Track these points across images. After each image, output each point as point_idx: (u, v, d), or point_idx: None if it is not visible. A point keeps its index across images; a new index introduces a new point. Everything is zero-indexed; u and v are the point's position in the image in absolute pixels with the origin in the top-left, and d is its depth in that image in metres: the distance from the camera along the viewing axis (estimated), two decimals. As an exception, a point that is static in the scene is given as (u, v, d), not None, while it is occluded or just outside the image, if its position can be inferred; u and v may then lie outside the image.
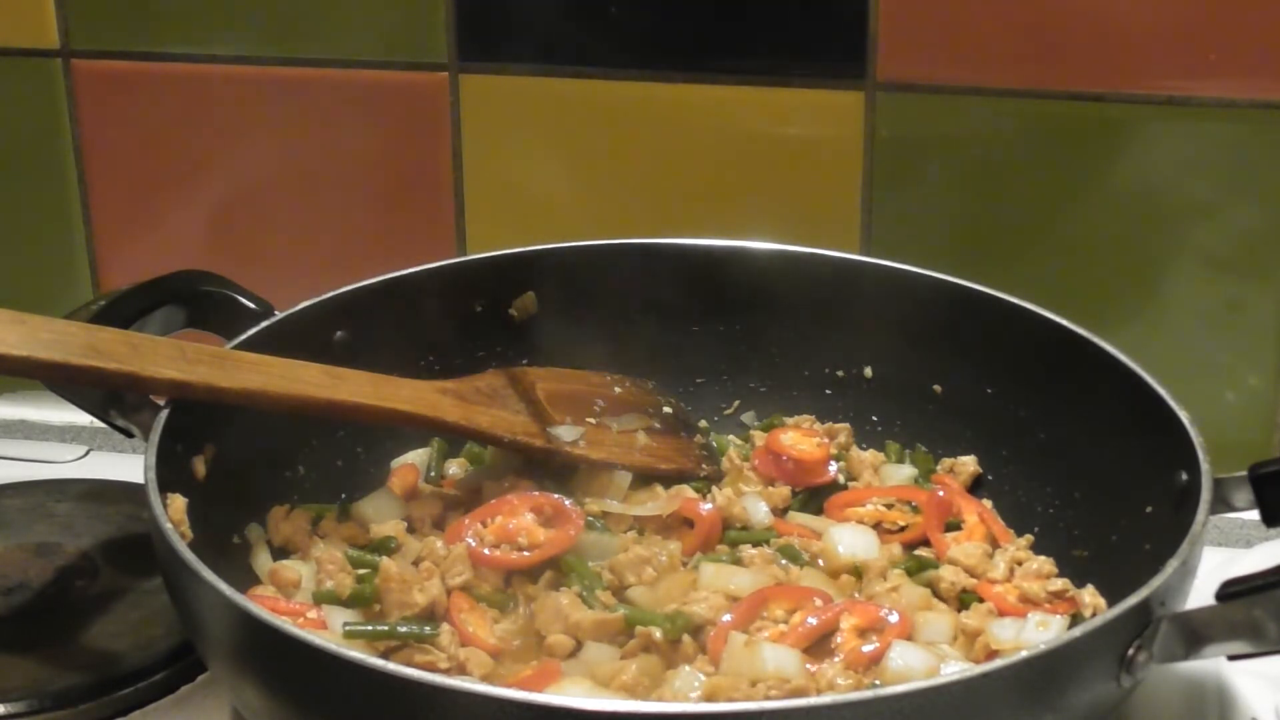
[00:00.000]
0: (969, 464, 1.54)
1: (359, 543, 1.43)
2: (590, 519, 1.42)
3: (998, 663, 1.07)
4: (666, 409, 1.58)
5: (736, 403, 1.65)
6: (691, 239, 1.61)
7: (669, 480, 1.50)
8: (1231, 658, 1.12)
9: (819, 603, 1.32)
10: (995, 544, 1.44)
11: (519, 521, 1.40)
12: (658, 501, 1.47)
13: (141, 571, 1.47)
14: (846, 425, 1.59)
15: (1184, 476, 1.28)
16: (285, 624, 1.10)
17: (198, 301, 1.49)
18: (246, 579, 1.38)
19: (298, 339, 1.45)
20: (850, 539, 1.43)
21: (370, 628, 1.28)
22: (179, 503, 1.27)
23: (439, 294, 1.58)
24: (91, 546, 1.53)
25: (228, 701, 1.36)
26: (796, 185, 1.72)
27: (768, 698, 1.19)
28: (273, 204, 1.84)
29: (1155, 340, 1.66)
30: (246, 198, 1.84)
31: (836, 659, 1.27)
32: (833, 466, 1.54)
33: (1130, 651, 1.12)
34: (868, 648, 1.27)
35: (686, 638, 1.28)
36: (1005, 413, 1.52)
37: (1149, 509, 1.34)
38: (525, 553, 1.38)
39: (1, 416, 1.89)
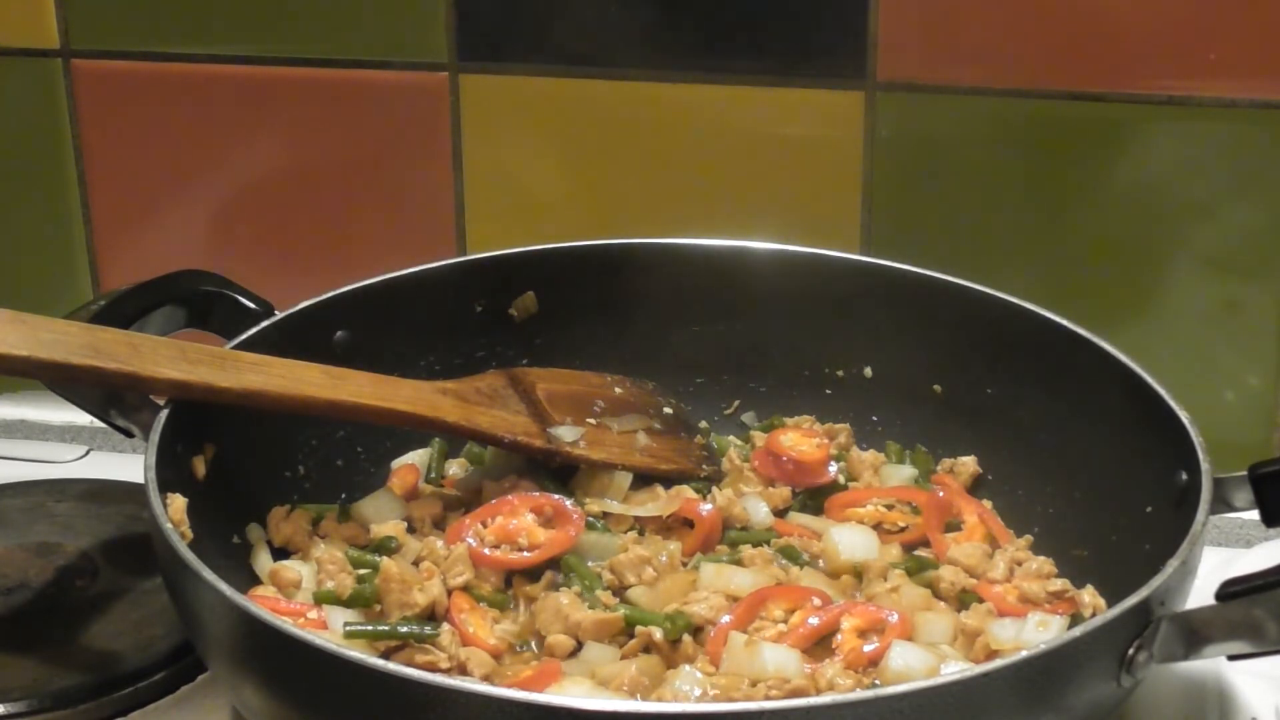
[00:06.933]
0: (969, 464, 1.54)
1: (359, 543, 1.43)
2: (590, 519, 1.42)
3: (998, 663, 1.07)
4: (667, 409, 1.58)
5: (736, 403, 1.65)
6: (691, 239, 1.61)
7: (669, 481, 1.50)
8: (1231, 658, 1.12)
9: (818, 603, 1.32)
10: (995, 544, 1.44)
11: (519, 522, 1.40)
12: (658, 502, 1.47)
13: (141, 571, 1.47)
14: (846, 425, 1.59)
15: (1184, 476, 1.28)
16: (285, 624, 1.10)
17: (198, 301, 1.49)
18: (246, 579, 1.38)
19: (298, 339, 1.45)
20: (850, 539, 1.43)
21: (371, 628, 1.28)
22: (179, 503, 1.27)
23: (439, 294, 1.58)
24: (91, 546, 1.53)
25: (228, 701, 1.36)
26: (796, 185, 1.72)
27: (768, 698, 1.19)
28: (273, 204, 1.84)
29: (1155, 340, 1.66)
30: (246, 198, 1.84)
31: (836, 659, 1.27)
32: (833, 467, 1.53)
33: (1130, 651, 1.12)
34: (868, 648, 1.27)
35: (686, 638, 1.28)
36: (1005, 413, 1.52)
37: (1149, 509, 1.34)
38: (525, 553, 1.38)
39: (1, 416, 1.89)
